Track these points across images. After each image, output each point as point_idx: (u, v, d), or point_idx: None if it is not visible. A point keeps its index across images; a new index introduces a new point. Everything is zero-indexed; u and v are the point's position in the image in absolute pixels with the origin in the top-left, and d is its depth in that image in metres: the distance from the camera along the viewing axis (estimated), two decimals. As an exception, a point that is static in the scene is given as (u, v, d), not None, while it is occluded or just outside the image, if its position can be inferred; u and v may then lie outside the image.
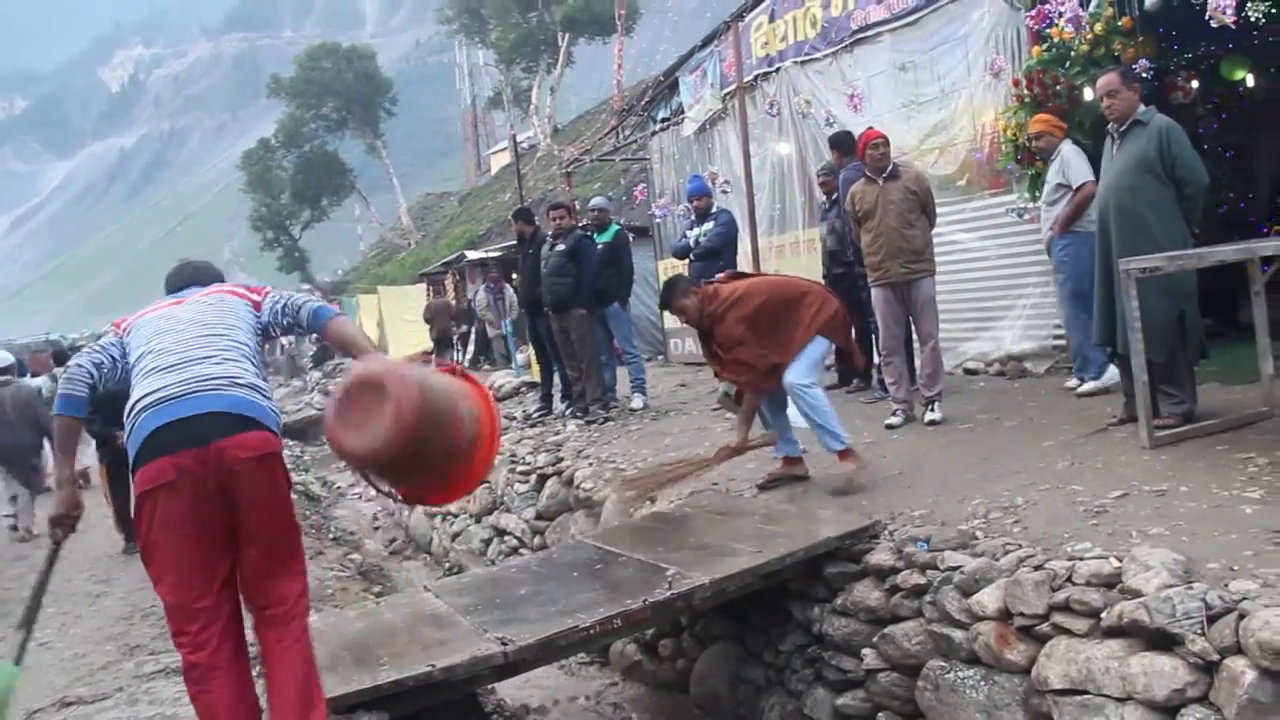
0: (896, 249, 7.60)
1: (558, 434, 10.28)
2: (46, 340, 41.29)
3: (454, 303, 26.01)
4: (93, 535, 10.59)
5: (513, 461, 9.78)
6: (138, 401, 3.69)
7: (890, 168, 7.74)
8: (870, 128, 8.30)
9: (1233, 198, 11.35)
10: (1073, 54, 8.01)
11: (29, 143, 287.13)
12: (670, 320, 15.73)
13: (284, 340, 59.33)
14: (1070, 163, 7.50)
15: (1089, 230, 7.55)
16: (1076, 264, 7.51)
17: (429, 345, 25.95)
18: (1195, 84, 10.68)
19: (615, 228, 11.25)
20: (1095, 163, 6.74)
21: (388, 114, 63.62)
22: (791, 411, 7.63)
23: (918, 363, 8.01)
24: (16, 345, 40.62)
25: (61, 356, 14.04)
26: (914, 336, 7.97)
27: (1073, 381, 7.99)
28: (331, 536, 11.36)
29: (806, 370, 6.38)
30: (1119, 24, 7.86)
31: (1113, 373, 7.64)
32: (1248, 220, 11.05)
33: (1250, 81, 10.97)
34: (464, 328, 24.02)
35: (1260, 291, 5.93)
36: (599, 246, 10.78)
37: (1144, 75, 7.51)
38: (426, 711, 4.77)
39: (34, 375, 15.27)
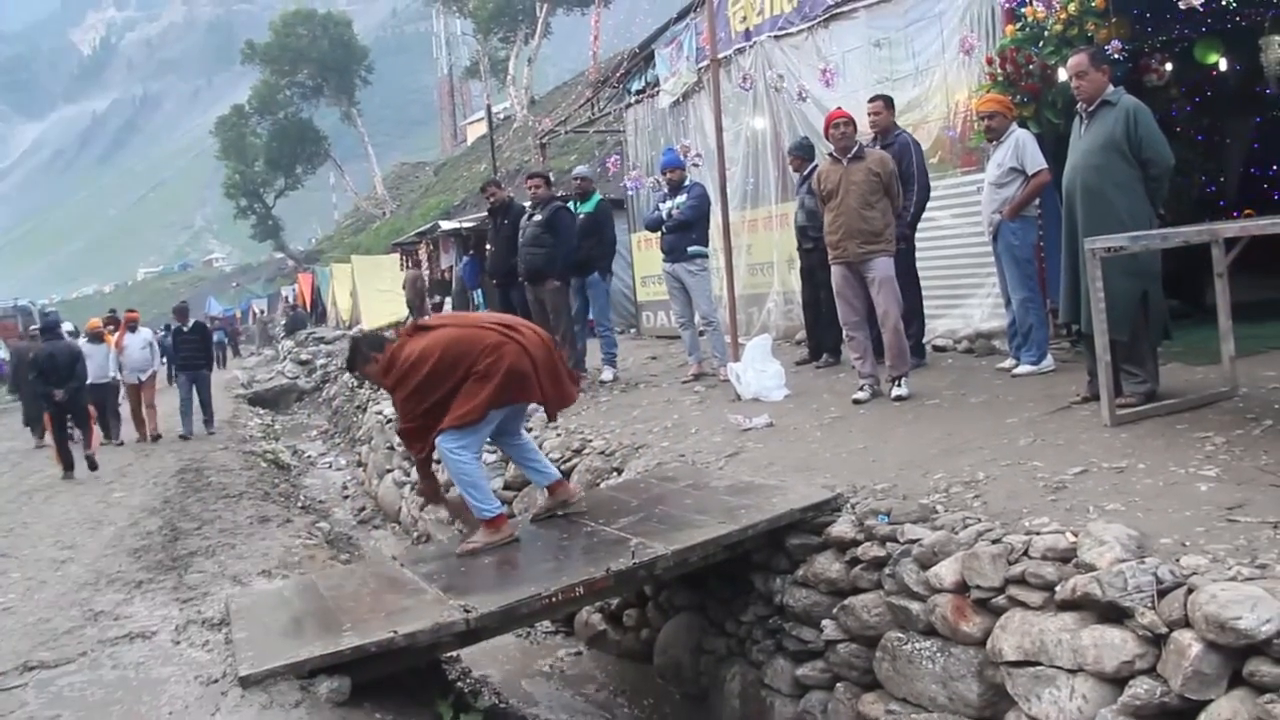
0: (855, 229, 7.66)
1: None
2: (15, 306, 40.94)
3: (427, 274, 26.06)
4: (58, 502, 10.58)
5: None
6: None
7: (856, 149, 7.79)
8: (837, 108, 8.34)
9: (1204, 181, 11.43)
10: (1046, 33, 8.03)
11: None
12: (644, 293, 15.78)
13: (256, 308, 59.16)
14: (1026, 148, 7.62)
15: (1035, 214, 7.73)
16: (1025, 247, 7.69)
17: (403, 314, 26.11)
18: (1168, 67, 10.73)
19: (598, 197, 11.21)
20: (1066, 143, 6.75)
21: (363, 82, 63.22)
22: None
23: (887, 340, 8.05)
24: (-15, 310, 40.30)
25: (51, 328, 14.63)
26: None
27: (1008, 362, 8.07)
28: (300, 504, 11.36)
29: (457, 434, 5.90)
30: (1092, 4, 7.86)
31: (1049, 360, 7.74)
32: (1219, 204, 11.15)
33: (1223, 65, 11.05)
34: (438, 298, 24.14)
35: (1223, 274, 5.99)
36: (581, 216, 10.77)
37: (1116, 57, 7.56)
38: (390, 678, 4.80)
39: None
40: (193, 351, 15.05)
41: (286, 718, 4.20)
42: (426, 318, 6.76)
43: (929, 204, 9.38)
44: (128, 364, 14.60)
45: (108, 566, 7.43)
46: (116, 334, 15.18)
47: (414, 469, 6.27)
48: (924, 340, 9.24)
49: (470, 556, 5.83)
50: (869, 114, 8.68)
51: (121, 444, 14.51)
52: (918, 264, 9.03)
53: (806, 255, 9.78)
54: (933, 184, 9.52)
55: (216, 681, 4.63)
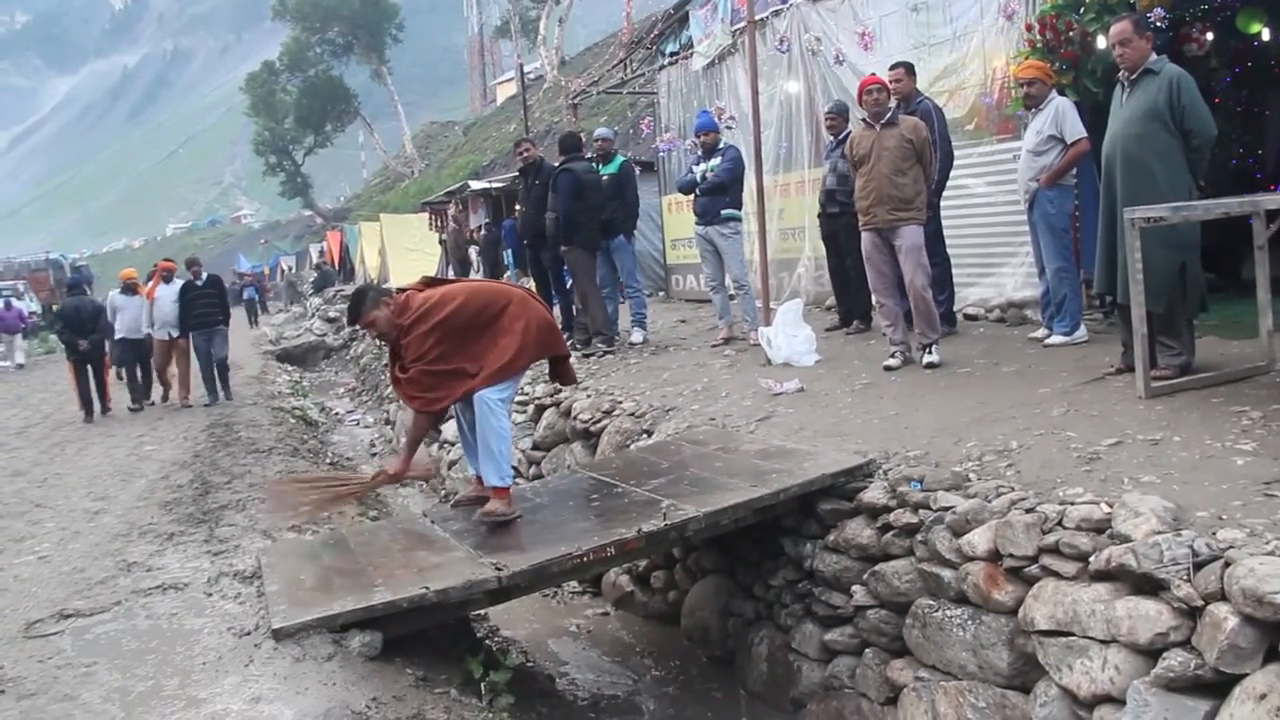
0: (885, 195, 7.62)
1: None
2: (46, 259, 41.09)
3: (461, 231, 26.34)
4: (91, 454, 10.69)
5: (511, 392, 9.81)
6: None
7: (889, 114, 7.73)
8: (871, 74, 8.29)
9: (1242, 152, 11.26)
10: (1087, 0, 7.91)
11: (30, 58, 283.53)
12: (673, 255, 15.73)
13: (284, 265, 59.31)
14: (1066, 116, 7.52)
15: (1072, 183, 7.64)
16: (1061, 215, 7.63)
17: (430, 273, 26.29)
18: (1210, 36, 10.54)
19: (620, 159, 11.15)
20: (1107, 111, 6.67)
21: (394, 40, 63.00)
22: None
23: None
24: (16, 264, 40.54)
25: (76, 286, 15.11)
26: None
27: (1041, 331, 8.01)
28: (328, 461, 11.43)
29: (500, 386, 5.80)
30: (1135, -29, 7.75)
31: (1083, 331, 7.68)
32: (1256, 176, 10.99)
33: (1266, 35, 10.85)
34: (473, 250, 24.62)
35: (1263, 246, 5.90)
36: (604, 178, 10.73)
37: (1158, 25, 7.42)
38: (420, 634, 4.84)
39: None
40: (208, 308, 13.66)
41: (320, 671, 4.25)
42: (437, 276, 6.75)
43: (963, 171, 9.30)
44: (158, 318, 13.58)
45: (140, 518, 7.52)
46: (150, 285, 14.21)
47: (412, 424, 5.96)
48: (955, 308, 9.19)
49: (488, 519, 5.79)
50: (890, 81, 8.58)
51: (153, 404, 14.21)
52: (950, 232, 8.98)
53: (830, 221, 9.72)
54: (969, 151, 9.44)
55: (249, 634, 4.69)
